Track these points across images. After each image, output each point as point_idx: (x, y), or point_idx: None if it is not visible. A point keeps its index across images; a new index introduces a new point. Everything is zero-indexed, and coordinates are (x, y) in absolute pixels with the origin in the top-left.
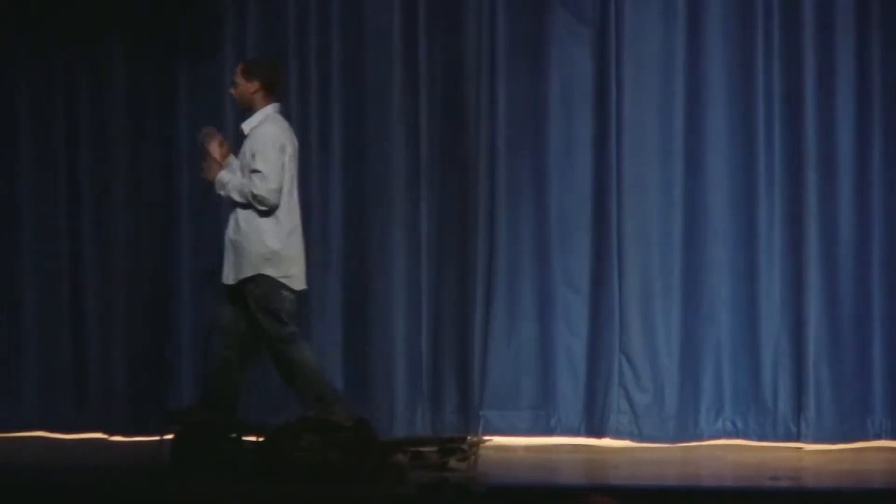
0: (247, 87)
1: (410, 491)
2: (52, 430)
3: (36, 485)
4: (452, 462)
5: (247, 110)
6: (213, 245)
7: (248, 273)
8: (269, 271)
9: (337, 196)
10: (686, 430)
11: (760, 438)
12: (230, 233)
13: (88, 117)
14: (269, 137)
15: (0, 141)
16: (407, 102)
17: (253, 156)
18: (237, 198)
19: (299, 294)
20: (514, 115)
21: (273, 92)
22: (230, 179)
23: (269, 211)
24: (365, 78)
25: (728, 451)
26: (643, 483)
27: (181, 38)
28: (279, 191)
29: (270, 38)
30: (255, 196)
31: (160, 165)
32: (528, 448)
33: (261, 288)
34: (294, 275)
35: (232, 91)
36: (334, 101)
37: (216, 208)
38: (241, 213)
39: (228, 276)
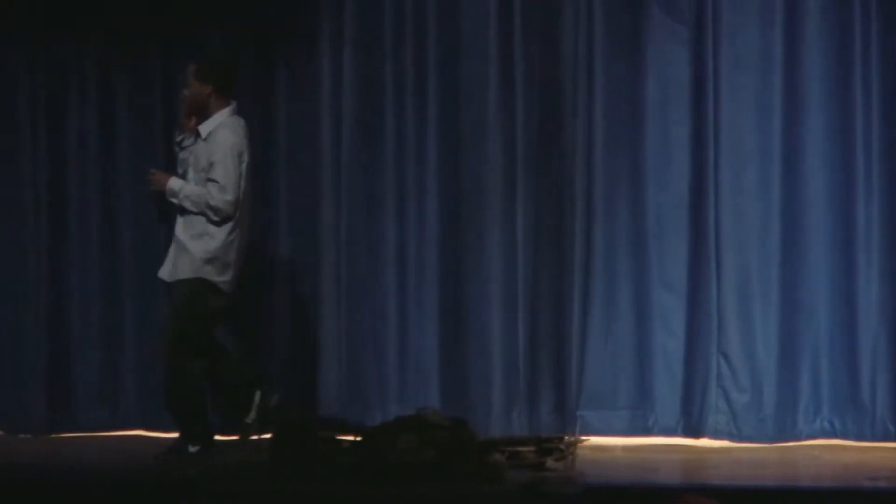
0: (200, 89)
1: (507, 491)
2: (150, 430)
3: (141, 482)
4: (550, 462)
5: (199, 113)
6: (311, 242)
7: (187, 275)
8: (208, 274)
9: (433, 196)
10: (784, 430)
11: (858, 438)
12: (178, 231)
13: None
14: (227, 146)
15: (100, 140)
16: (503, 103)
17: (211, 165)
18: (190, 207)
19: (229, 296)
20: (611, 115)
21: (227, 93)
22: (181, 187)
23: (221, 221)
24: (461, 78)
25: (826, 452)
26: (741, 483)
27: (278, 40)
28: (236, 203)
29: (366, 38)
30: (210, 207)
31: (259, 164)
32: (625, 448)
33: (192, 288)
34: (229, 279)
35: (185, 93)
36: (430, 102)
37: (312, 209)
38: (191, 214)
39: (165, 272)
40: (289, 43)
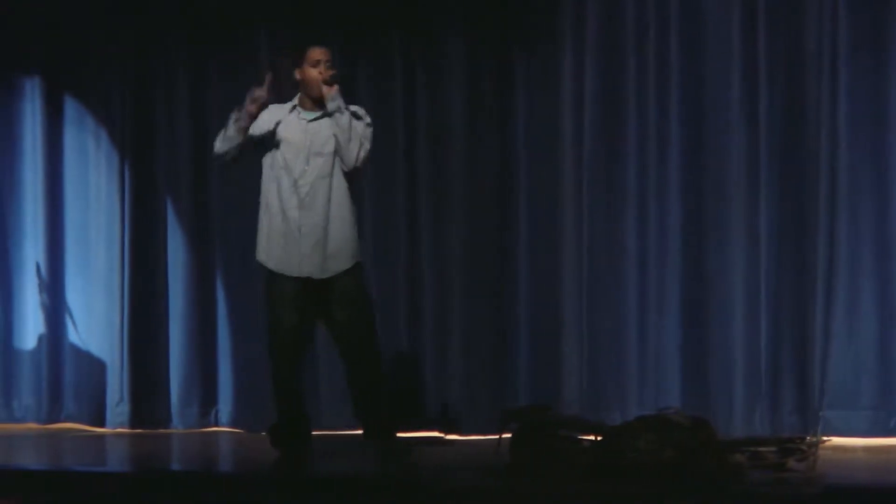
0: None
1: (748, 491)
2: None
3: (378, 481)
4: (791, 462)
5: (321, 96)
6: (549, 243)
7: (351, 263)
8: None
9: (675, 195)
10: None
11: None
12: (323, 220)
13: (426, 115)
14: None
15: None
16: (747, 100)
17: (368, 125)
18: (351, 136)
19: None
20: (855, 115)
21: None
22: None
23: (352, 171)
24: (703, 76)
25: None
26: None
27: (519, 39)
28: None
29: (608, 34)
30: (366, 154)
31: (497, 162)
32: (867, 449)
33: (360, 273)
34: None
35: (334, 75)
36: (672, 100)
37: (553, 207)
38: (340, 197)
39: (311, 268)
40: (529, 42)
